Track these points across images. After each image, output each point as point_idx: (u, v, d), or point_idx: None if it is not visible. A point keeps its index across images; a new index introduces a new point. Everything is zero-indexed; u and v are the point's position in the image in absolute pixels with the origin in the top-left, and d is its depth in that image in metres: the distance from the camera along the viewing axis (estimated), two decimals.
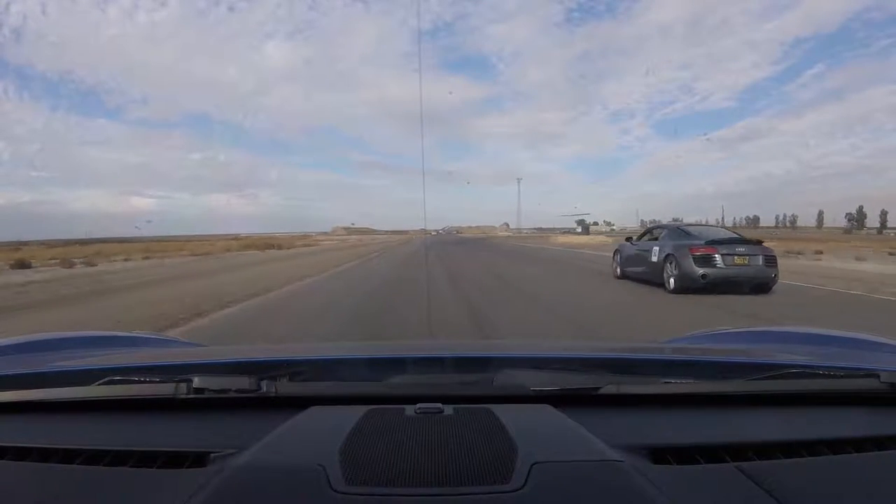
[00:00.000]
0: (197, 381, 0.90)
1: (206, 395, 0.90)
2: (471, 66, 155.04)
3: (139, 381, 0.95)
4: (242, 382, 0.90)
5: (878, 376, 0.93)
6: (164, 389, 0.91)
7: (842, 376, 1.00)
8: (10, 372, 1.05)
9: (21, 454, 0.77)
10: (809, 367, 1.03)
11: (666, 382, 1.00)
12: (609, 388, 0.92)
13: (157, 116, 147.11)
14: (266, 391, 0.90)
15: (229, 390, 0.90)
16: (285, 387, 0.95)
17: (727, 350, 1.46)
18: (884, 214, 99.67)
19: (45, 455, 0.77)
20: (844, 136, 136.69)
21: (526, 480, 0.64)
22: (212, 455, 0.75)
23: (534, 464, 0.67)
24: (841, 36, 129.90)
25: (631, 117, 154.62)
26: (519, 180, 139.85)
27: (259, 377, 0.92)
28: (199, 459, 0.74)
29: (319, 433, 0.79)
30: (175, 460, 0.75)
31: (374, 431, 0.77)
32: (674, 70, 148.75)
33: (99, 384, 0.93)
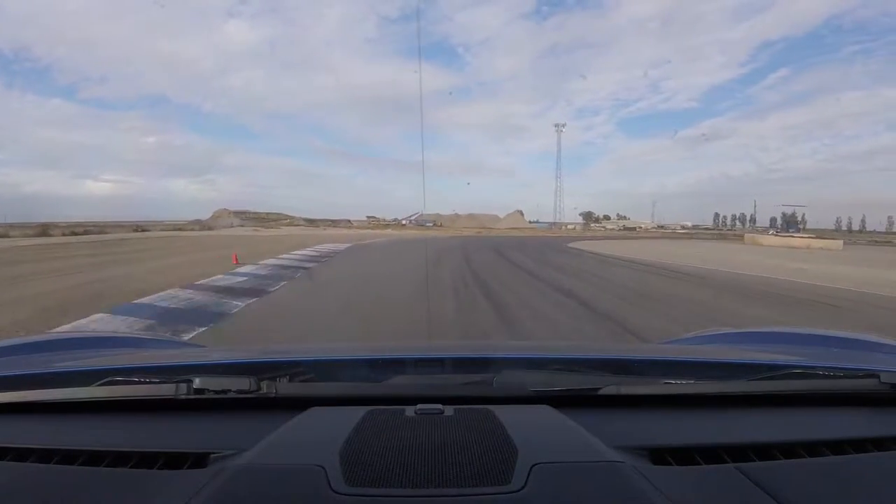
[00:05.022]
0: (197, 382, 0.90)
1: (206, 396, 0.90)
2: (438, 55, 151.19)
3: (140, 382, 0.95)
4: (242, 383, 0.90)
5: (878, 376, 0.94)
6: (165, 390, 0.91)
7: (842, 376, 1.00)
8: (11, 372, 1.05)
9: (22, 455, 0.77)
10: (809, 368, 1.04)
11: (666, 383, 1.00)
12: (609, 389, 0.92)
13: (114, 96, 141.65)
14: (266, 392, 0.90)
15: (229, 391, 0.90)
16: (285, 387, 0.95)
17: (727, 350, 1.46)
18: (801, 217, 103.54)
19: (45, 456, 0.77)
20: (806, 140, 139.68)
21: (526, 481, 0.65)
22: (212, 456, 0.75)
23: (534, 465, 0.68)
24: (809, 41, 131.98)
25: (595, 114, 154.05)
26: (558, 153, 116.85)
27: (259, 378, 0.92)
28: (199, 460, 0.74)
29: (319, 434, 0.79)
30: (175, 461, 0.75)
31: (374, 432, 0.77)
32: (641, 68, 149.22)
33: (99, 385, 0.93)
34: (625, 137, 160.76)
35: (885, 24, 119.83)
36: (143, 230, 37.16)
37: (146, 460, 0.75)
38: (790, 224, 49.66)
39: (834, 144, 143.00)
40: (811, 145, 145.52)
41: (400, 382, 1.03)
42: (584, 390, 0.93)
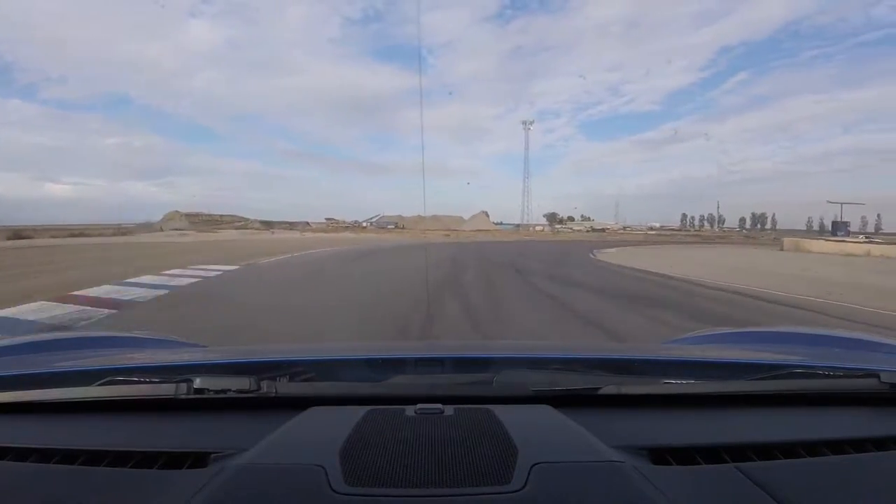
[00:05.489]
0: (197, 382, 0.90)
1: (206, 396, 0.90)
2: (401, 57, 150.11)
3: (139, 382, 0.95)
4: (242, 383, 0.90)
5: (878, 376, 0.94)
6: (165, 390, 0.91)
7: (842, 376, 1.00)
8: (11, 372, 1.05)
9: (22, 455, 0.77)
10: (809, 367, 1.04)
11: (666, 383, 1.01)
12: (609, 389, 0.93)
13: (74, 97, 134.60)
14: (266, 391, 0.90)
15: (229, 390, 0.90)
16: (285, 387, 0.95)
17: (727, 350, 1.46)
18: (761, 217, 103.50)
19: (45, 456, 0.77)
20: (765, 142, 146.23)
21: (526, 481, 0.65)
22: (212, 455, 0.75)
23: (534, 464, 0.68)
24: (767, 45, 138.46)
25: (557, 116, 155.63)
26: (526, 147, 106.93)
27: (259, 377, 0.92)
28: (199, 460, 0.74)
29: (319, 434, 0.79)
30: (175, 461, 0.75)
31: (374, 432, 0.77)
32: (603, 72, 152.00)
33: (99, 384, 0.93)
34: (586, 140, 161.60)
35: (841, 30, 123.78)
36: (82, 235, 33.67)
37: (146, 460, 0.75)
38: (838, 227, 40.35)
39: (792, 147, 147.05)
40: (770, 147, 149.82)
41: (400, 382, 1.03)
42: (584, 390, 0.93)
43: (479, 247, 28.90)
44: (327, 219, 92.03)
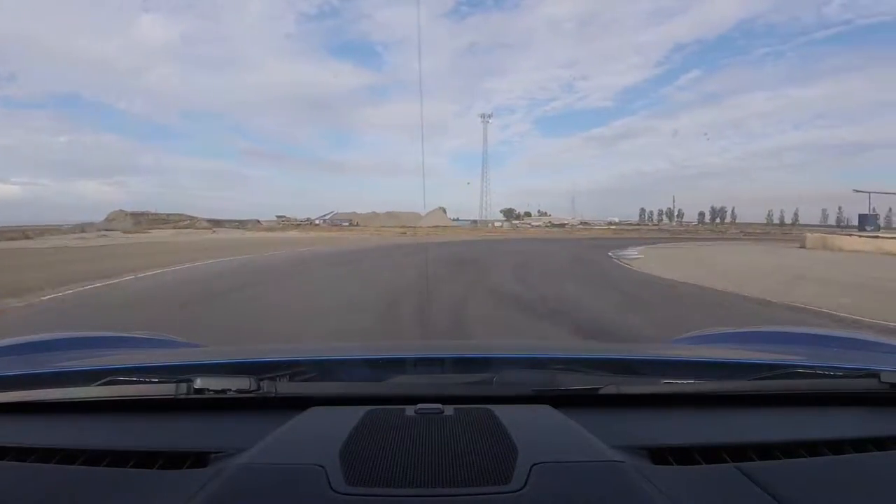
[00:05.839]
0: (197, 382, 0.90)
1: (206, 396, 0.90)
2: (358, 53, 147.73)
3: (140, 382, 0.96)
4: (242, 383, 0.90)
5: (878, 376, 0.94)
6: (165, 390, 0.91)
7: (842, 376, 1.01)
8: (11, 372, 1.05)
9: (22, 455, 0.77)
10: (809, 367, 1.04)
11: (666, 382, 1.01)
12: (609, 389, 0.93)
13: (24, 94, 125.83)
14: (266, 391, 0.90)
15: (229, 390, 0.90)
16: (285, 387, 0.95)
17: (727, 350, 1.47)
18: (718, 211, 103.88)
19: (46, 456, 0.77)
20: (716, 139, 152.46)
21: (526, 481, 0.65)
22: (212, 455, 0.75)
23: (534, 464, 0.68)
24: (721, 43, 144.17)
25: (513, 112, 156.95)
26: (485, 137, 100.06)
27: (259, 377, 0.92)
28: (199, 460, 0.75)
29: (319, 434, 0.79)
30: (175, 461, 0.75)
31: (374, 432, 0.77)
32: (557, 68, 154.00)
33: (99, 384, 0.93)
34: (542, 136, 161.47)
35: (794, 28, 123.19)
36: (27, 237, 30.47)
37: (146, 460, 0.75)
38: (867, 221, 34.29)
39: (744, 142, 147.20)
40: (722, 143, 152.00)
41: (400, 382, 1.03)
42: (584, 390, 0.93)
43: (447, 252, 19.99)
44: (278, 216, 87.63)
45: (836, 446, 0.80)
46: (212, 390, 0.89)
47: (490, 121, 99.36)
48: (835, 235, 25.98)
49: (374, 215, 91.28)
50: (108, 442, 0.81)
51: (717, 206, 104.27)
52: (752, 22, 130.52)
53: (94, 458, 0.76)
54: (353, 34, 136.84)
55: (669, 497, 0.63)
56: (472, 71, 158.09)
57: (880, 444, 0.82)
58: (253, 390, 0.89)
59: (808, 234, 26.06)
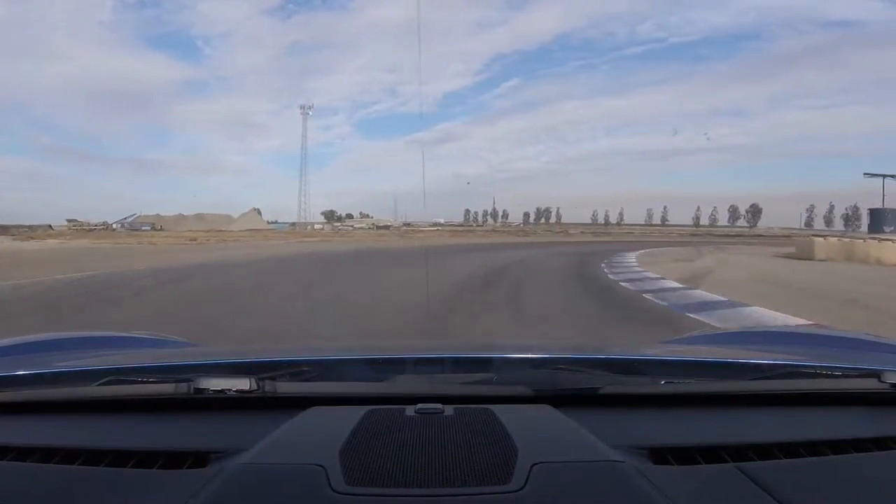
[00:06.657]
0: (197, 382, 0.90)
1: (206, 396, 0.89)
2: (175, 46, 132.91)
3: (139, 382, 0.96)
4: (242, 382, 0.90)
5: (878, 376, 0.94)
6: (165, 389, 0.91)
7: (842, 376, 1.01)
8: (11, 372, 1.05)
9: (22, 455, 0.77)
10: (809, 367, 1.04)
11: (666, 382, 1.01)
12: (609, 388, 0.93)
13: None
14: (266, 391, 0.90)
15: (229, 390, 0.89)
16: (285, 387, 0.94)
17: (727, 351, 1.46)
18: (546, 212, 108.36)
19: (46, 455, 0.77)
20: (532, 143, 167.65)
21: (526, 481, 0.65)
22: (212, 455, 0.75)
23: (534, 464, 0.68)
24: (539, 55, 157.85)
25: (335, 114, 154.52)
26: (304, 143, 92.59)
27: (259, 377, 0.91)
28: (199, 460, 0.74)
29: (319, 433, 0.79)
30: (175, 460, 0.75)
31: (374, 432, 0.77)
32: (380, 72, 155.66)
33: (99, 384, 0.93)
34: (363, 138, 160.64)
35: (608, 43, 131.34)
36: None
37: (146, 460, 0.75)
38: (884, 219, 27.93)
39: (557, 147, 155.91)
40: (537, 148, 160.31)
41: (400, 382, 1.03)
42: (584, 390, 0.93)
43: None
44: (69, 220, 73.69)
45: (837, 446, 0.80)
46: (212, 390, 0.89)
47: (311, 113, 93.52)
48: (860, 242, 19.05)
49: (181, 218, 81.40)
50: (108, 442, 0.81)
51: (542, 206, 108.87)
52: (570, 36, 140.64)
53: (94, 457, 0.75)
54: (173, 26, 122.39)
55: (669, 497, 0.63)
56: (295, 70, 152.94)
57: (881, 444, 0.82)
58: (253, 390, 0.89)
59: (816, 239, 18.95)
